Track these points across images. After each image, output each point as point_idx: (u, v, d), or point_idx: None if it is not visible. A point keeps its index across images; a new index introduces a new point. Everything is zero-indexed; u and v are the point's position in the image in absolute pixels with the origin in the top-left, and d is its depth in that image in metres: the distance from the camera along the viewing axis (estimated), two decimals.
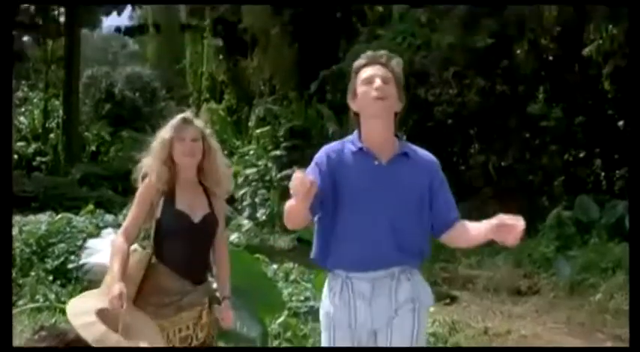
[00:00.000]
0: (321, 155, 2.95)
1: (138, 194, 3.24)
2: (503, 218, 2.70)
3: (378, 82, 2.85)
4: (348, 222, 2.85)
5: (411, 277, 2.90)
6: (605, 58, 9.95)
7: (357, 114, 2.96)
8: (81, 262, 6.22)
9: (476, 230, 2.86)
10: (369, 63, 2.93)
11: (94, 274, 5.20)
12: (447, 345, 6.07)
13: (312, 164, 2.94)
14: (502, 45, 12.95)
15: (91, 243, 6.02)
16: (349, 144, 2.94)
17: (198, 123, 3.30)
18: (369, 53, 2.99)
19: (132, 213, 3.25)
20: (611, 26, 9.29)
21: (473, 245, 2.98)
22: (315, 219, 2.92)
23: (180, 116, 3.28)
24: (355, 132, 2.97)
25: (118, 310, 2.92)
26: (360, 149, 2.89)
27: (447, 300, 8.01)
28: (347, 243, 2.85)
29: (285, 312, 5.51)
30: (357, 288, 2.86)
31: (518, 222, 2.66)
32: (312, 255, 2.99)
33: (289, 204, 2.78)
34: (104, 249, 5.05)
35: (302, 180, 2.61)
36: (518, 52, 13.19)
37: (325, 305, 2.96)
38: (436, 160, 3.01)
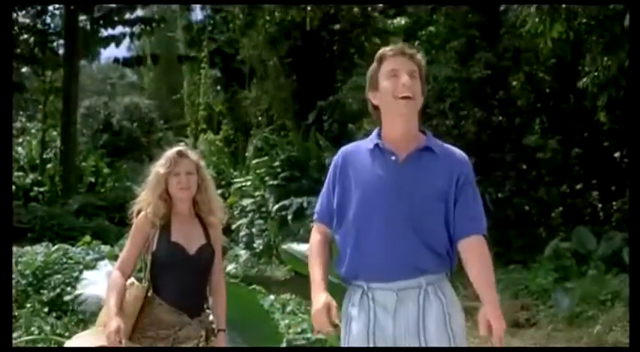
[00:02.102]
0: (337, 158, 2.77)
1: (133, 228, 3.24)
2: (488, 319, 2.55)
3: (405, 77, 2.62)
4: (365, 226, 2.59)
5: (441, 293, 2.65)
6: (600, 89, 10.01)
7: (376, 108, 2.72)
8: (76, 293, 6.17)
9: (479, 288, 2.66)
10: (394, 54, 2.68)
11: (89, 305, 5.18)
12: None
13: (330, 169, 2.77)
14: (498, 76, 13.05)
15: (87, 274, 5.98)
16: (367, 142, 2.72)
17: (193, 155, 3.31)
18: (396, 45, 2.75)
19: (127, 247, 3.25)
20: (606, 58, 9.36)
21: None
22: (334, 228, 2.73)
23: (174, 149, 3.29)
24: (376, 130, 2.74)
25: (115, 345, 2.90)
26: (377, 146, 2.66)
27: None
28: (367, 250, 2.59)
29: (283, 344, 5.47)
30: (380, 299, 2.59)
31: (498, 330, 2.51)
32: (335, 266, 2.76)
33: (311, 266, 2.72)
34: (100, 281, 5.04)
35: (325, 320, 2.53)
36: (514, 83, 13.28)
37: (344, 319, 2.69)
38: (466, 157, 2.74)
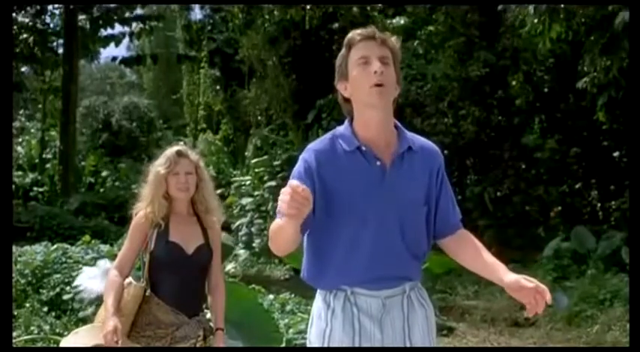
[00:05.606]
0: (309, 157, 2.44)
1: (131, 227, 3.25)
2: (532, 285, 2.31)
3: (376, 64, 2.38)
4: (352, 234, 2.41)
5: (423, 300, 2.54)
6: (599, 89, 10.00)
7: (347, 100, 2.51)
8: (74, 284, 6.17)
9: (490, 267, 2.46)
10: (364, 38, 2.44)
11: (87, 294, 5.22)
12: None
13: (299, 168, 2.45)
14: (497, 76, 13.05)
15: (86, 269, 5.99)
16: (341, 141, 2.45)
17: (192, 155, 3.32)
18: (364, 28, 2.49)
19: (125, 246, 3.26)
20: (605, 58, 9.36)
21: (474, 271, 2.58)
22: (305, 235, 2.46)
23: (174, 149, 3.29)
24: (346, 124, 2.50)
25: (112, 345, 2.90)
26: (358, 148, 2.43)
27: (444, 332, 7.95)
28: (357, 260, 2.42)
29: (282, 344, 5.47)
30: (364, 305, 2.44)
31: (545, 294, 2.28)
32: (306, 274, 2.54)
33: (276, 224, 2.31)
34: (98, 276, 5.06)
35: (296, 191, 2.08)
36: (513, 83, 13.29)
37: (319, 326, 2.50)
38: (439, 151, 2.60)
